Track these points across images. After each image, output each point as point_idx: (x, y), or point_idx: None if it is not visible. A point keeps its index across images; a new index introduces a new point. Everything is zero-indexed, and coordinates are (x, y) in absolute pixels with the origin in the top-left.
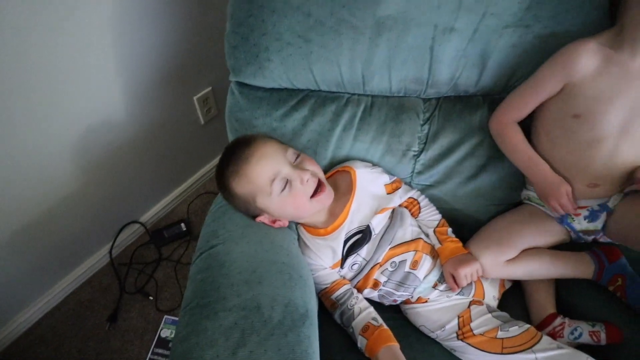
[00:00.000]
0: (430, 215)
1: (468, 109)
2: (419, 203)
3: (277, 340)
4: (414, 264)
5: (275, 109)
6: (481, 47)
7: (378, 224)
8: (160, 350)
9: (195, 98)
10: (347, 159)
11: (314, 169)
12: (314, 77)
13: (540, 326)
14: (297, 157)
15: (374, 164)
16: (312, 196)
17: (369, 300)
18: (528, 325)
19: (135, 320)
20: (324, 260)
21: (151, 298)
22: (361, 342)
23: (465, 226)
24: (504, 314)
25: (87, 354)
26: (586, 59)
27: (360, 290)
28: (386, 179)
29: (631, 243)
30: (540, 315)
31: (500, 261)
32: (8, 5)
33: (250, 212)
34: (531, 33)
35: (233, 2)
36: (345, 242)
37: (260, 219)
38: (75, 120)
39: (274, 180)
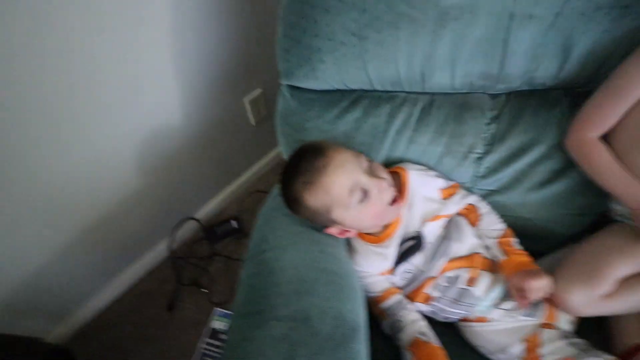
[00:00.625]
0: (493, 224)
1: (545, 104)
2: (478, 210)
3: (327, 356)
4: (471, 281)
5: (327, 111)
6: (565, 34)
7: (430, 233)
8: (211, 341)
9: (245, 100)
10: (402, 161)
11: (386, 175)
12: (368, 76)
13: (624, 357)
14: (369, 165)
15: (430, 168)
16: (392, 203)
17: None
18: (612, 358)
19: (189, 311)
20: (375, 267)
21: (205, 291)
22: (408, 358)
23: (536, 238)
24: (582, 341)
25: (147, 339)
26: None
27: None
28: (441, 183)
29: None
30: (624, 343)
31: (593, 297)
32: (78, 19)
33: (321, 223)
34: (629, 15)
35: (285, 4)
36: (399, 247)
37: (330, 230)
38: (137, 124)
39: (353, 191)
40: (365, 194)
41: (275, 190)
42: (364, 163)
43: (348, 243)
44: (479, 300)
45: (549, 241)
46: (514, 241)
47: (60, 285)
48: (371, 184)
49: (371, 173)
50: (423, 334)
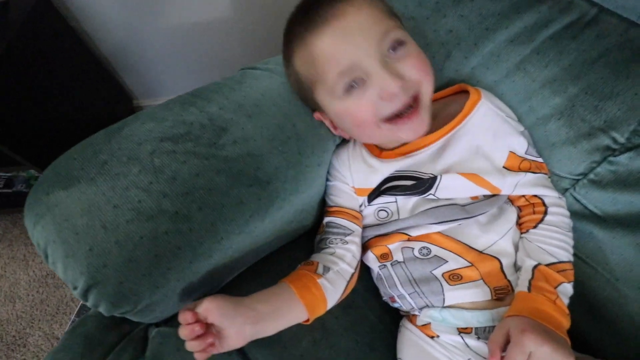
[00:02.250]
0: (549, 244)
1: None
2: (545, 214)
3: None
4: (453, 277)
5: None
6: None
7: (448, 187)
8: None
9: None
10: (488, 89)
11: (416, 77)
12: None
13: None
14: (398, 47)
15: (521, 122)
16: (390, 120)
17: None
18: None
19: None
20: (354, 177)
21: None
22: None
23: (608, 321)
24: None
25: None
26: None
27: (363, 250)
28: (522, 144)
29: None
30: None
31: None
32: None
33: (305, 102)
34: None
35: None
36: (390, 178)
37: (318, 115)
38: None
39: (344, 74)
40: (359, 84)
41: None
42: (388, 42)
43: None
44: (438, 305)
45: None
46: (563, 287)
47: None
48: (377, 76)
49: (387, 63)
50: (327, 279)
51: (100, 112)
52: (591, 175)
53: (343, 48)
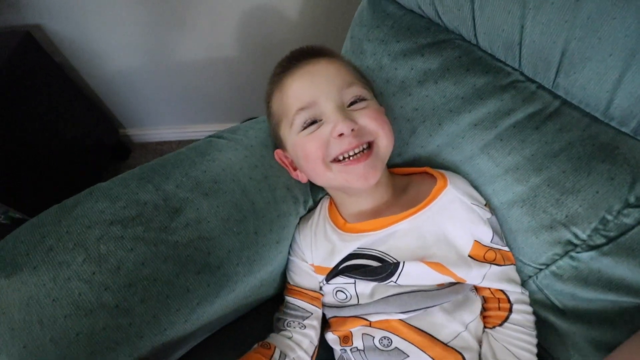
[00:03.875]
0: (515, 345)
1: None
2: (511, 311)
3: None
4: None
5: (397, 39)
6: None
7: (410, 275)
8: None
9: None
10: (453, 169)
11: (372, 127)
12: (474, 25)
13: None
14: (356, 101)
15: (491, 208)
16: (337, 160)
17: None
18: None
19: None
20: (313, 254)
21: None
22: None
23: None
24: None
25: None
26: None
27: (326, 329)
28: (487, 234)
29: None
30: None
31: None
32: None
33: (275, 138)
34: None
35: None
36: (352, 256)
37: (279, 154)
38: None
39: (302, 110)
40: (314, 123)
41: None
42: (349, 95)
43: (311, 211)
44: None
45: None
46: None
47: None
48: (331, 117)
49: (344, 109)
50: None
51: (87, 142)
52: (553, 267)
53: (307, 87)
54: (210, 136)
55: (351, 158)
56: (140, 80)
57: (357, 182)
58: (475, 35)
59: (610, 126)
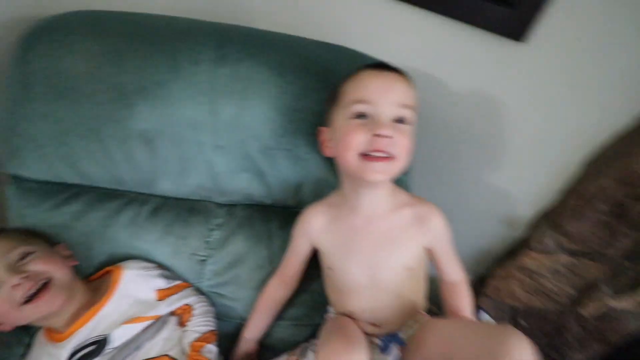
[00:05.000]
0: (197, 326)
1: (262, 218)
2: (193, 310)
3: None
4: None
5: (44, 201)
6: (256, 164)
7: (122, 336)
8: None
9: None
10: (129, 257)
11: (43, 269)
12: (86, 174)
13: None
14: (25, 257)
15: (161, 266)
16: (28, 301)
17: None
18: None
19: None
20: None
21: None
22: None
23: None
24: None
25: None
26: (316, 220)
27: None
28: (161, 283)
29: None
30: None
31: None
32: None
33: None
34: (296, 154)
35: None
36: (73, 354)
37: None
38: None
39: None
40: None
41: None
42: (16, 255)
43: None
44: None
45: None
46: (207, 348)
47: None
48: (4, 277)
49: (15, 267)
50: None
51: None
52: (205, 277)
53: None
54: None
55: (37, 295)
56: None
57: (47, 307)
58: (94, 181)
59: (191, 199)
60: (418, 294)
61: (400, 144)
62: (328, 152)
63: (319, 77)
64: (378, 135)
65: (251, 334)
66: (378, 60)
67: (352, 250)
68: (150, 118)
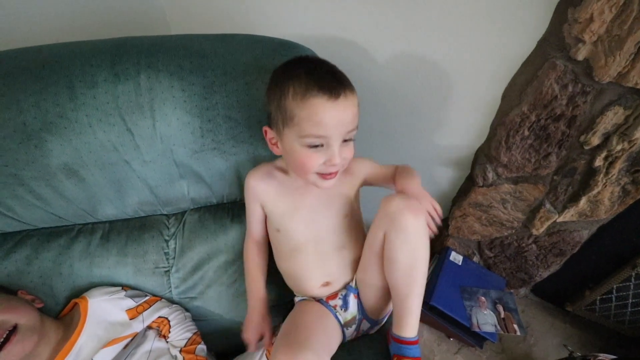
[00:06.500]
0: (181, 334)
1: (214, 217)
2: (169, 322)
3: None
4: None
5: None
6: (189, 169)
7: (104, 359)
8: None
9: None
10: (92, 286)
11: (6, 318)
12: (24, 219)
13: None
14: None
15: (128, 287)
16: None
17: None
18: None
19: None
20: None
21: None
22: None
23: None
24: None
25: None
26: (263, 184)
27: None
28: (130, 303)
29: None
30: None
31: None
32: None
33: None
34: (222, 151)
35: None
36: None
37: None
38: None
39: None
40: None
41: None
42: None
43: None
44: None
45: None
46: (198, 349)
47: None
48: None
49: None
50: None
51: None
52: (173, 286)
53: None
54: None
55: (6, 342)
56: None
57: (21, 351)
58: (34, 224)
59: (138, 217)
60: (358, 244)
61: (347, 157)
62: (277, 151)
63: (219, 71)
64: (331, 164)
65: (256, 295)
66: (321, 73)
67: (297, 208)
68: (66, 151)
